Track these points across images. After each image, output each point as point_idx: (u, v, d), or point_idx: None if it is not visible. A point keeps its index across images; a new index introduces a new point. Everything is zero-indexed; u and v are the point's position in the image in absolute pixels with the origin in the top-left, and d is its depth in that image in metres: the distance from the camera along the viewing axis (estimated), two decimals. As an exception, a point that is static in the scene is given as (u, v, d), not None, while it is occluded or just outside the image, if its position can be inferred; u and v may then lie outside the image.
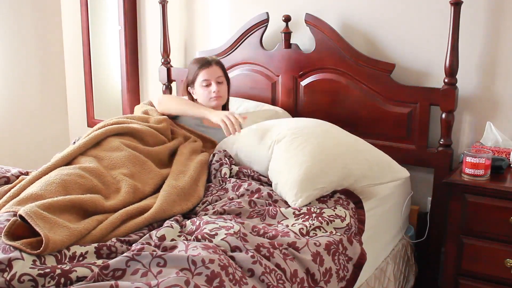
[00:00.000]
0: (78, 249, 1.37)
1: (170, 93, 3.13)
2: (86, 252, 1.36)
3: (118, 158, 1.87)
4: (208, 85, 2.37)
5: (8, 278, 1.18)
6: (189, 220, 1.61)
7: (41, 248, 1.29)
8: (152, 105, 2.46)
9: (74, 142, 2.46)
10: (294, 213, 1.69)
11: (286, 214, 1.69)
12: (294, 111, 2.63)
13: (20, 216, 1.38)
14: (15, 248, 1.28)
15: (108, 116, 3.49)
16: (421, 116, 2.30)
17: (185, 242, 1.39)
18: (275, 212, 1.69)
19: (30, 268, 1.22)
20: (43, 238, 1.31)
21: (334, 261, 1.52)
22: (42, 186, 1.59)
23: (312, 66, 2.56)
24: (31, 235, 1.36)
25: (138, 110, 2.44)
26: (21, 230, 1.36)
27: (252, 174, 1.99)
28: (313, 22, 2.51)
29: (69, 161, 1.82)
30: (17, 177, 1.93)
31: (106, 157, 1.85)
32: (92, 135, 1.95)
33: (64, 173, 1.67)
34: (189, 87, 2.46)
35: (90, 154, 1.87)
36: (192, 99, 2.46)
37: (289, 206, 1.78)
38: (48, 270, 1.22)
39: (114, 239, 1.45)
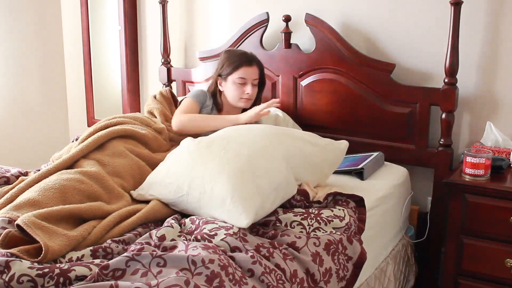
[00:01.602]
0: (73, 254, 1.37)
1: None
2: (82, 256, 1.37)
3: (121, 166, 1.83)
4: (243, 84, 2.27)
5: (7, 280, 1.18)
6: (188, 219, 1.61)
7: (41, 257, 1.30)
8: (161, 101, 2.40)
9: (75, 139, 2.46)
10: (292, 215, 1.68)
11: (284, 219, 1.65)
12: (294, 111, 2.63)
13: (17, 225, 1.38)
14: (12, 254, 1.28)
15: (107, 116, 3.50)
16: (421, 116, 2.30)
17: (185, 242, 1.39)
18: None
19: (29, 268, 1.21)
20: (43, 247, 1.31)
21: (334, 261, 1.52)
22: (39, 191, 1.57)
23: (312, 66, 2.56)
24: (26, 244, 1.35)
25: (148, 104, 2.41)
26: (14, 241, 1.36)
27: None
28: (313, 22, 2.51)
29: (71, 164, 1.79)
30: (17, 177, 1.93)
31: (109, 163, 1.82)
32: (95, 137, 1.90)
33: (64, 178, 1.64)
34: (219, 77, 2.32)
35: (93, 157, 1.84)
36: (216, 89, 2.34)
37: (288, 211, 1.70)
38: (47, 270, 1.22)
39: (109, 241, 1.45)
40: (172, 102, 2.44)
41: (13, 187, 1.73)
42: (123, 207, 1.64)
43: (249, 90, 2.26)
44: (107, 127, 2.00)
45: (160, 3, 2.97)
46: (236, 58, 2.28)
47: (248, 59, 2.28)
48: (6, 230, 1.37)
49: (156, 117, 2.30)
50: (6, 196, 1.64)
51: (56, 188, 1.59)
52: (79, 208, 1.53)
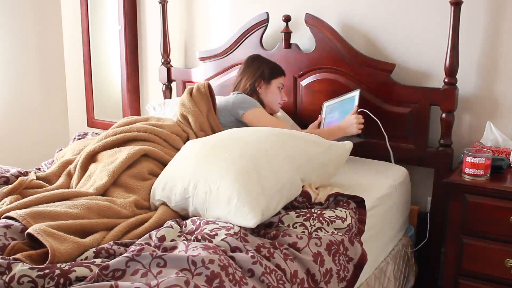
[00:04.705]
0: (77, 258, 1.38)
1: (170, 92, 3.13)
2: (86, 258, 1.37)
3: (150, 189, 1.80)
4: (280, 91, 2.41)
5: (7, 280, 1.18)
6: (190, 220, 1.61)
7: (48, 260, 1.30)
8: (197, 100, 2.20)
9: (74, 139, 2.46)
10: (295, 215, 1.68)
11: (287, 220, 1.66)
12: (294, 111, 2.63)
13: (28, 234, 1.39)
14: (15, 259, 1.28)
15: (107, 116, 3.50)
16: (421, 116, 2.30)
17: (185, 242, 1.39)
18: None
19: (29, 269, 1.22)
20: (49, 250, 1.31)
21: (334, 262, 1.52)
22: (66, 208, 1.56)
23: (312, 66, 2.56)
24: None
25: (183, 103, 2.21)
26: (20, 252, 1.36)
27: None
28: (313, 22, 2.51)
29: (103, 193, 1.75)
30: (17, 177, 1.93)
31: (138, 187, 1.78)
32: (125, 158, 1.82)
33: (93, 202, 1.63)
34: (261, 80, 2.35)
35: (121, 182, 1.78)
36: (254, 92, 2.35)
37: (289, 211, 1.70)
38: (47, 271, 1.22)
39: (111, 242, 1.45)
40: (209, 99, 2.23)
41: (15, 187, 1.72)
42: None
43: (285, 96, 2.44)
44: (134, 138, 1.96)
45: (160, 3, 2.97)
46: (276, 66, 2.41)
47: (283, 70, 2.43)
48: (13, 242, 1.38)
49: (190, 124, 2.15)
50: (24, 200, 1.62)
51: (82, 208, 1.58)
52: (91, 223, 1.53)
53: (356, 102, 2.25)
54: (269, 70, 2.38)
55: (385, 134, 2.30)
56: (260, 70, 2.37)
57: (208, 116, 2.20)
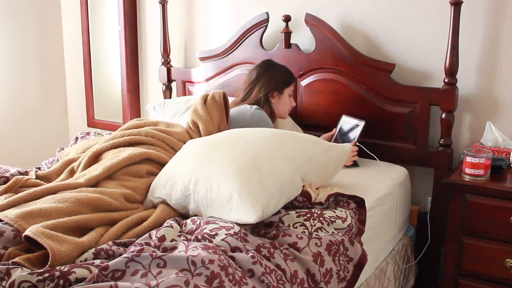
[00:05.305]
0: (76, 259, 1.37)
1: (170, 92, 3.13)
2: (85, 260, 1.37)
3: (145, 184, 1.80)
4: (291, 97, 2.40)
5: (7, 286, 1.18)
6: (190, 219, 1.61)
7: (49, 262, 1.30)
8: (211, 109, 2.16)
9: (76, 138, 2.45)
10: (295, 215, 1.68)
11: (287, 220, 1.65)
12: (294, 111, 2.63)
13: (26, 237, 1.38)
14: (14, 263, 1.28)
15: (107, 116, 3.51)
16: (421, 116, 2.30)
17: (185, 242, 1.39)
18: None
19: (29, 274, 1.21)
20: (50, 252, 1.31)
21: (334, 262, 1.52)
22: (53, 203, 1.55)
23: (312, 66, 2.56)
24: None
25: (196, 110, 2.17)
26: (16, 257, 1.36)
27: None
28: (313, 22, 2.51)
29: (94, 184, 1.74)
30: (16, 176, 1.92)
31: (133, 181, 1.79)
32: (127, 157, 1.82)
33: (83, 195, 1.62)
34: (276, 90, 2.33)
35: (116, 177, 1.78)
36: (266, 103, 2.32)
37: (289, 210, 1.70)
38: (47, 274, 1.22)
39: (110, 243, 1.44)
40: (223, 109, 2.18)
41: (14, 185, 1.72)
42: (131, 215, 1.63)
43: (294, 102, 2.44)
44: (141, 142, 1.96)
45: (160, 3, 2.97)
46: (289, 73, 2.39)
47: (294, 76, 2.43)
48: (9, 249, 1.37)
49: (200, 131, 2.12)
50: (14, 197, 1.61)
51: (72, 202, 1.57)
52: (85, 219, 1.52)
53: (356, 138, 2.27)
54: (282, 79, 2.35)
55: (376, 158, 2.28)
56: (274, 81, 2.33)
57: (219, 125, 2.17)
